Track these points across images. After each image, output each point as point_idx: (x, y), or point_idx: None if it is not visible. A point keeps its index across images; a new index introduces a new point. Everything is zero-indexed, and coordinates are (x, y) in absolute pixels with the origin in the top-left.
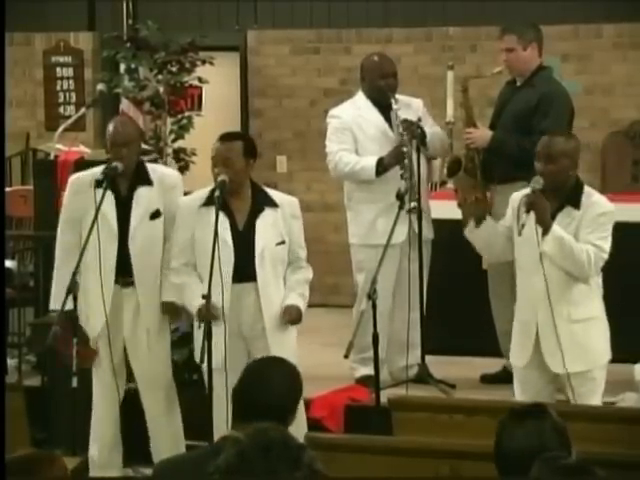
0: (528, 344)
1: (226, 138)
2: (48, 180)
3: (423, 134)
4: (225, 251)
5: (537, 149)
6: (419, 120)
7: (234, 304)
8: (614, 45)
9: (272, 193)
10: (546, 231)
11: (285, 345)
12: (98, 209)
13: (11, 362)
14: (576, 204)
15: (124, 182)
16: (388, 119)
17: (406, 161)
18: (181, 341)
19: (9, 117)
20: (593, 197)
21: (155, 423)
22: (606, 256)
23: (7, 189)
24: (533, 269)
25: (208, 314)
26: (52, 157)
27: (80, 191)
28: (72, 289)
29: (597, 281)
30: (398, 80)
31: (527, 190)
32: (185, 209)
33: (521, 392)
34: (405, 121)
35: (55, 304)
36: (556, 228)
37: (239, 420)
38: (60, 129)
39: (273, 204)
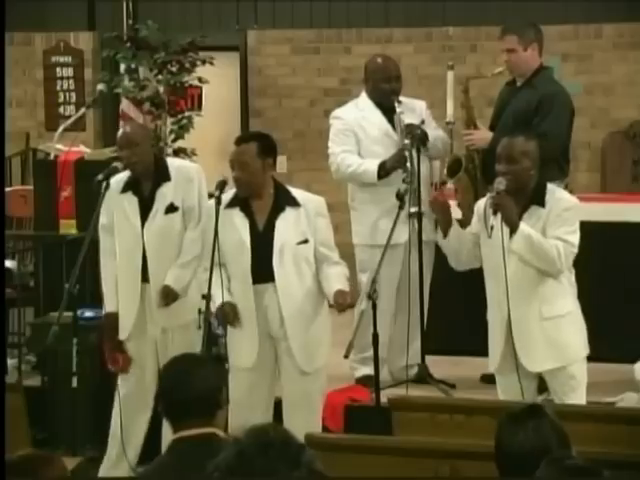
0: (497, 346)
1: (240, 140)
2: (48, 180)
3: (424, 135)
4: (243, 252)
5: (497, 151)
6: (422, 123)
7: (258, 305)
8: (614, 45)
9: (295, 192)
10: (514, 230)
11: (310, 347)
12: (98, 210)
13: (11, 362)
14: (541, 202)
15: (146, 183)
16: (391, 120)
17: (408, 164)
18: None
19: (9, 117)
20: (556, 194)
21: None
22: (575, 250)
23: (7, 189)
24: (501, 270)
25: (207, 312)
26: (52, 157)
27: (108, 197)
28: (72, 291)
29: (569, 277)
30: (402, 83)
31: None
32: (211, 211)
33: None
34: (409, 126)
35: (105, 307)
36: (524, 227)
37: (169, 419)
38: (60, 129)
39: (295, 203)
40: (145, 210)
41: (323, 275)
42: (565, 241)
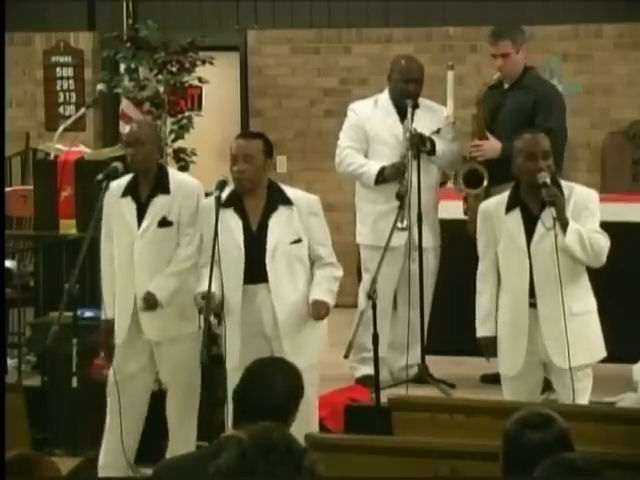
0: (521, 347)
1: (247, 136)
2: (48, 180)
3: (432, 147)
4: (236, 252)
5: (526, 149)
6: (438, 131)
7: (251, 305)
8: (614, 45)
9: (289, 191)
10: (566, 225)
11: (302, 346)
12: (100, 210)
13: (11, 362)
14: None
15: (144, 188)
16: None
17: (406, 175)
18: None
19: (9, 117)
20: (575, 187)
21: (170, 424)
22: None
23: (7, 189)
24: (523, 268)
25: (207, 311)
26: (52, 157)
27: (109, 202)
28: (72, 295)
29: (586, 276)
30: (421, 86)
31: (495, 198)
32: (205, 211)
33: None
34: (415, 136)
35: (105, 314)
36: (571, 221)
37: (241, 421)
38: (60, 129)
39: (288, 202)
40: (140, 215)
41: (313, 275)
42: (601, 233)
